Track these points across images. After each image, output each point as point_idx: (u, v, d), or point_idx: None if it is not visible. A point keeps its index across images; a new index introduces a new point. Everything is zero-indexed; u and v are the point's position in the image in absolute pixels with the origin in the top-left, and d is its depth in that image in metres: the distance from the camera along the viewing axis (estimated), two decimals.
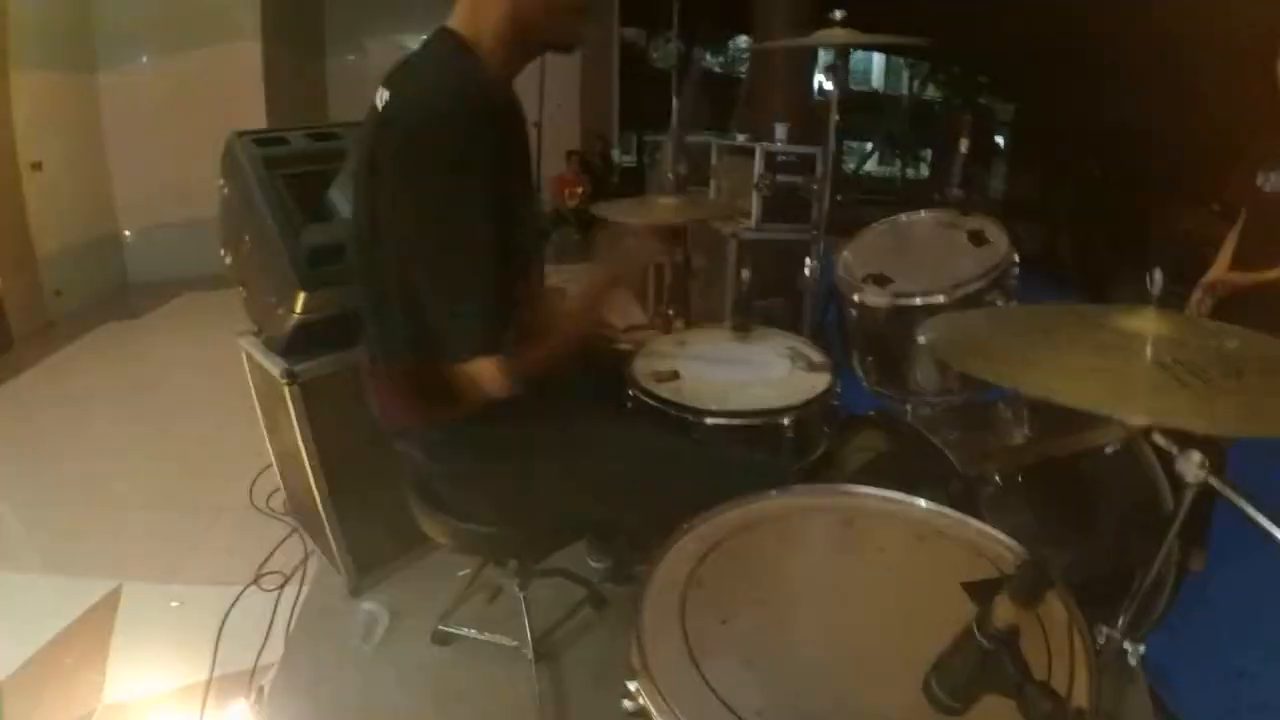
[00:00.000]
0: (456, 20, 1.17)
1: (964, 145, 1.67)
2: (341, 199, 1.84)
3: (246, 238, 1.83)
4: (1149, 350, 0.87)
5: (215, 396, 3.07)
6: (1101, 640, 1.19)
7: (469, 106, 1.05)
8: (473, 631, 1.81)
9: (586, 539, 1.88)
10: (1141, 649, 1.20)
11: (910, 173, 10.25)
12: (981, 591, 0.89)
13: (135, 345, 4.46)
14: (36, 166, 4.63)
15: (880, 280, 1.55)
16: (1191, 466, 1.02)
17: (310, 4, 6.93)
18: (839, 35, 1.73)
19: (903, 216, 1.78)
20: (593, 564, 1.95)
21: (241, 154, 1.80)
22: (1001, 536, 0.99)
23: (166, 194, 5.51)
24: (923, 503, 1.04)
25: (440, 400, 1.14)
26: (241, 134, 1.85)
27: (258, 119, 5.68)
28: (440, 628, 1.82)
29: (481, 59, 1.15)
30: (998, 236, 1.61)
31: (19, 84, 4.50)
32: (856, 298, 1.57)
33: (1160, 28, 4.80)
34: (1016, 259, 1.56)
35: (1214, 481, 1.05)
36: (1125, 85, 5.81)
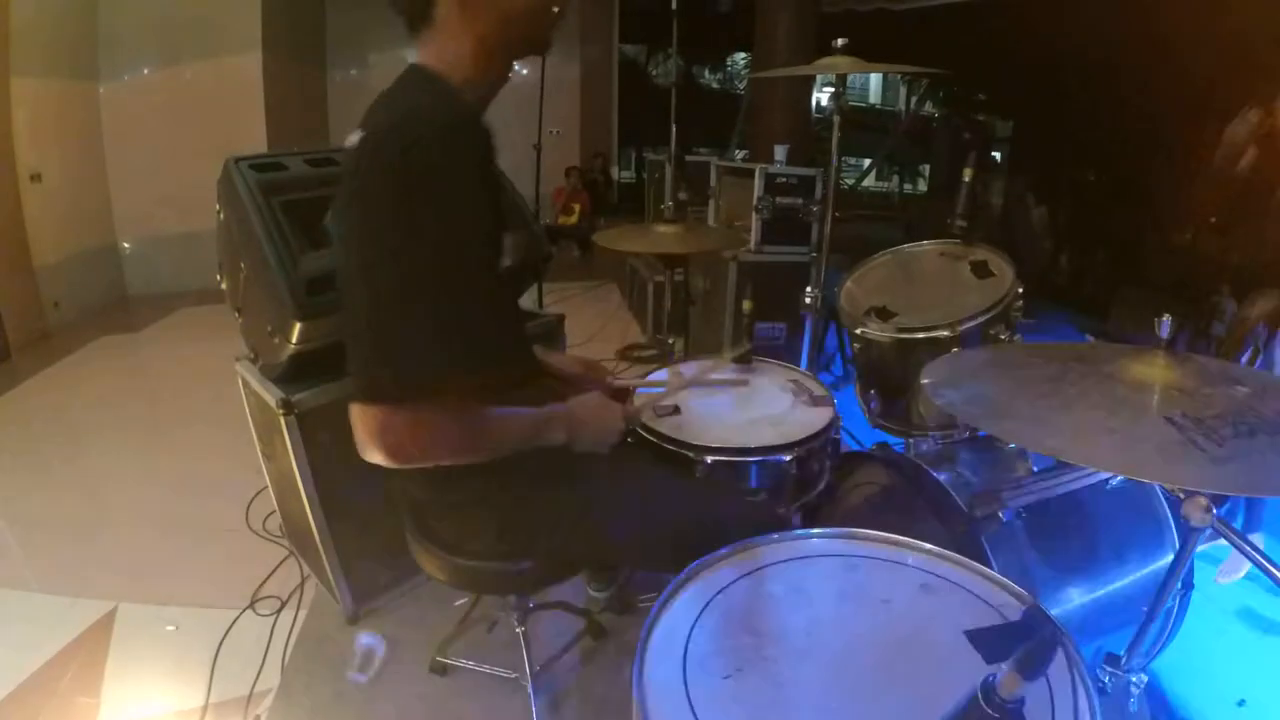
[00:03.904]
0: (424, 56, 1.13)
1: (967, 175, 1.66)
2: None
3: (243, 264, 1.82)
4: (1157, 403, 0.86)
5: (212, 414, 3.07)
6: (1106, 679, 1.19)
7: (442, 131, 0.99)
8: (471, 662, 1.79)
9: (586, 570, 1.86)
10: (1144, 678, 1.20)
11: (908, 188, 10.29)
12: (985, 642, 0.88)
13: (133, 359, 4.47)
14: (36, 178, 4.65)
15: (883, 313, 1.54)
16: (1197, 510, 1.02)
17: (312, 18, 6.96)
18: (841, 64, 1.73)
19: (906, 247, 1.78)
20: (593, 593, 1.94)
21: (239, 179, 1.78)
22: (1007, 582, 0.98)
23: (166, 206, 5.54)
24: (927, 547, 1.03)
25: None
26: (239, 159, 1.84)
27: (258, 132, 5.71)
28: (438, 658, 1.81)
29: (454, 88, 1.11)
30: (1002, 269, 1.60)
31: (20, 93, 4.51)
32: (859, 331, 1.56)
33: (1160, 40, 4.83)
34: (1020, 291, 1.55)
35: (1218, 526, 1.05)
36: (1123, 100, 5.83)
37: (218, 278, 2.03)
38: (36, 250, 4.66)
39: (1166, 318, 1.05)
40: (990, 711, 0.63)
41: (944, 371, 1.01)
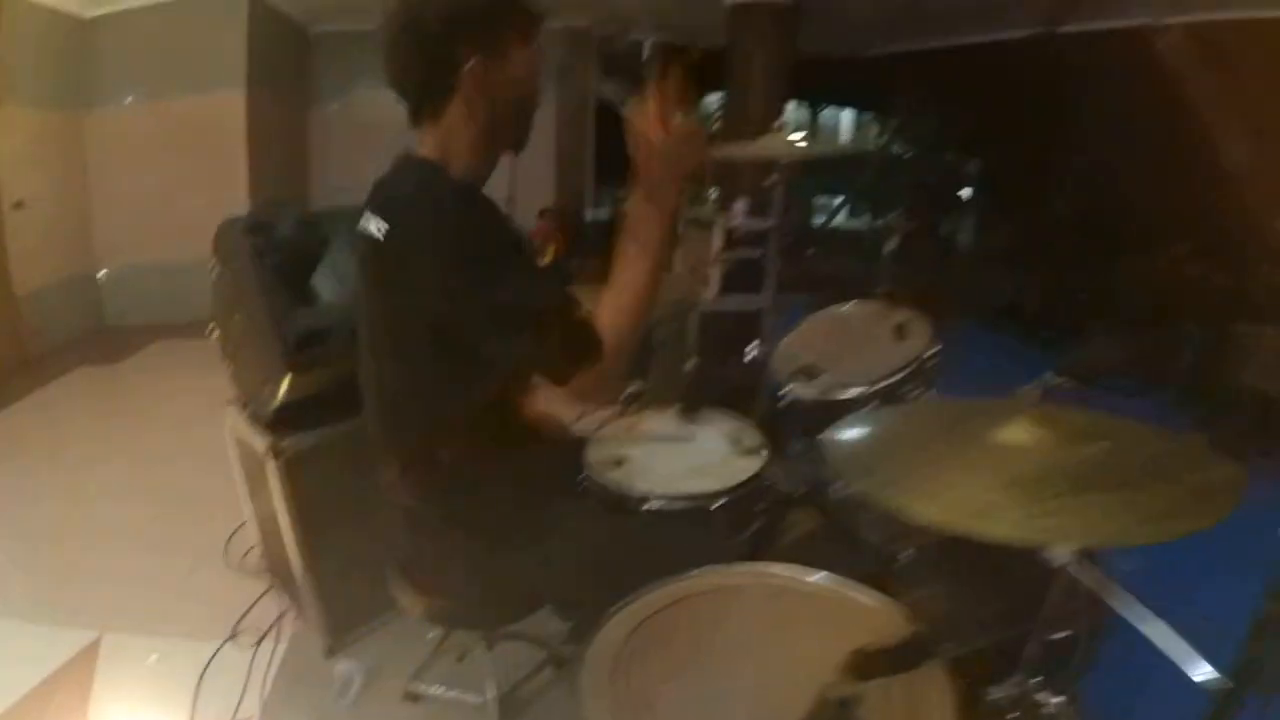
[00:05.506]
0: (425, 147, 1.32)
1: (894, 243, 1.86)
2: (325, 284, 2.00)
3: (236, 317, 1.98)
4: (1011, 467, 1.02)
5: (192, 449, 3.07)
6: (1000, 696, 1.34)
7: (460, 211, 1.22)
8: (442, 690, 1.92)
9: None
10: (1057, 700, 1.35)
11: (880, 225, 10.54)
12: (868, 659, 1.04)
13: (112, 392, 4.51)
14: (19, 205, 4.71)
15: (811, 370, 1.72)
16: (1060, 553, 1.19)
17: (297, 52, 7.09)
18: (778, 145, 1.92)
19: (840, 307, 1.97)
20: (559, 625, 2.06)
21: (232, 240, 1.95)
22: (900, 608, 1.14)
23: (147, 237, 5.59)
24: (831, 578, 1.19)
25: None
26: (233, 220, 2.01)
27: (240, 167, 5.80)
28: (411, 687, 1.93)
29: (456, 177, 1.30)
30: (920, 329, 1.79)
31: (4, 122, 4.60)
32: (783, 392, 1.74)
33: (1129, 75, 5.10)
34: (937, 349, 1.74)
35: (1074, 570, 1.22)
36: (1091, 131, 6.08)
37: (210, 326, 2.18)
38: (18, 278, 4.73)
39: (1038, 385, 1.23)
40: (829, 711, 0.80)
41: (843, 429, 1.18)
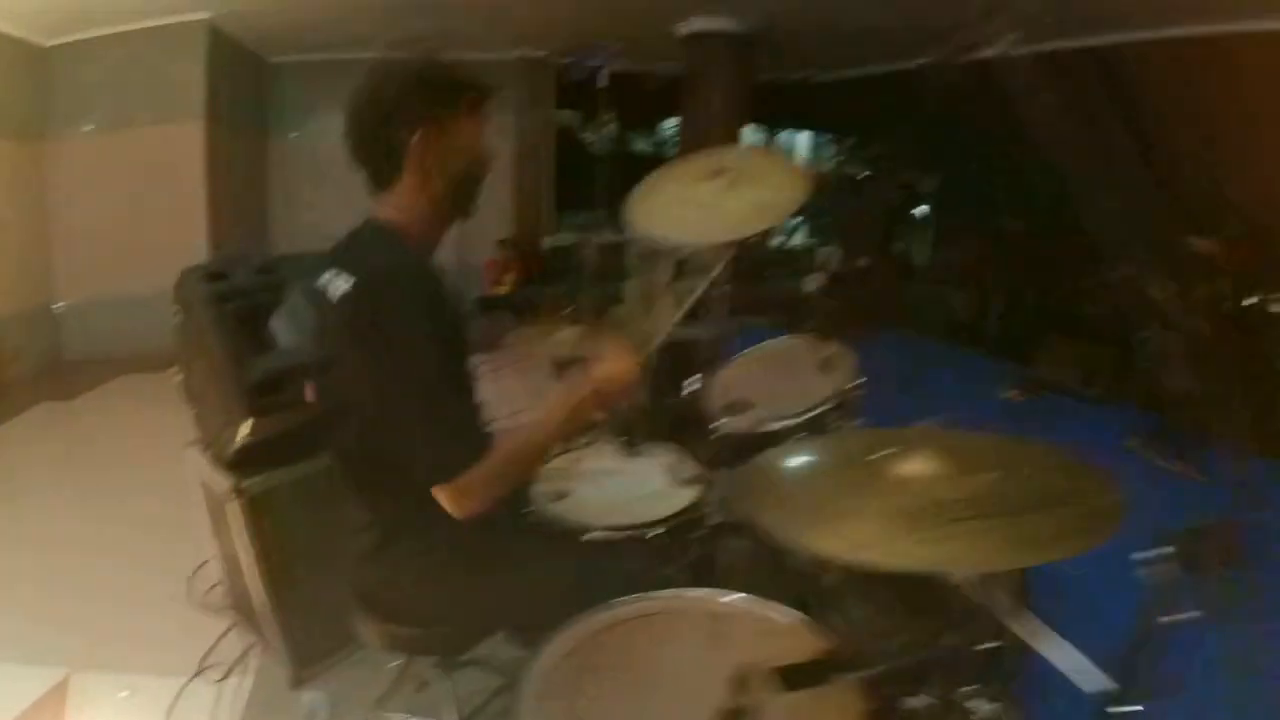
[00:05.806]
0: (384, 211, 1.42)
1: (813, 282, 2.00)
2: (282, 329, 2.09)
3: (198, 362, 2.06)
4: (903, 498, 1.13)
5: (153, 486, 3.05)
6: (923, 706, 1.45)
7: (414, 284, 1.32)
8: (405, 717, 1.99)
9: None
10: (991, 707, 1.46)
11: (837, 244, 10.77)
12: (790, 673, 1.16)
13: (73, 428, 4.52)
14: None
15: (743, 405, 1.85)
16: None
17: (256, 82, 7.13)
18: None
19: (771, 343, 2.11)
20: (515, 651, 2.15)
21: (192, 289, 2.03)
22: (816, 627, 1.25)
23: (106, 269, 5.58)
24: (750, 599, 1.30)
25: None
26: (193, 268, 2.09)
27: (199, 193, 5.82)
28: (374, 715, 2.00)
29: (413, 243, 1.42)
30: (844, 362, 1.93)
31: None
32: (714, 425, 1.86)
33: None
34: (860, 381, 1.88)
35: (975, 587, 1.35)
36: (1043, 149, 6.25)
37: (174, 369, 2.25)
38: None
39: (935, 423, 1.36)
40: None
41: (755, 463, 1.31)
